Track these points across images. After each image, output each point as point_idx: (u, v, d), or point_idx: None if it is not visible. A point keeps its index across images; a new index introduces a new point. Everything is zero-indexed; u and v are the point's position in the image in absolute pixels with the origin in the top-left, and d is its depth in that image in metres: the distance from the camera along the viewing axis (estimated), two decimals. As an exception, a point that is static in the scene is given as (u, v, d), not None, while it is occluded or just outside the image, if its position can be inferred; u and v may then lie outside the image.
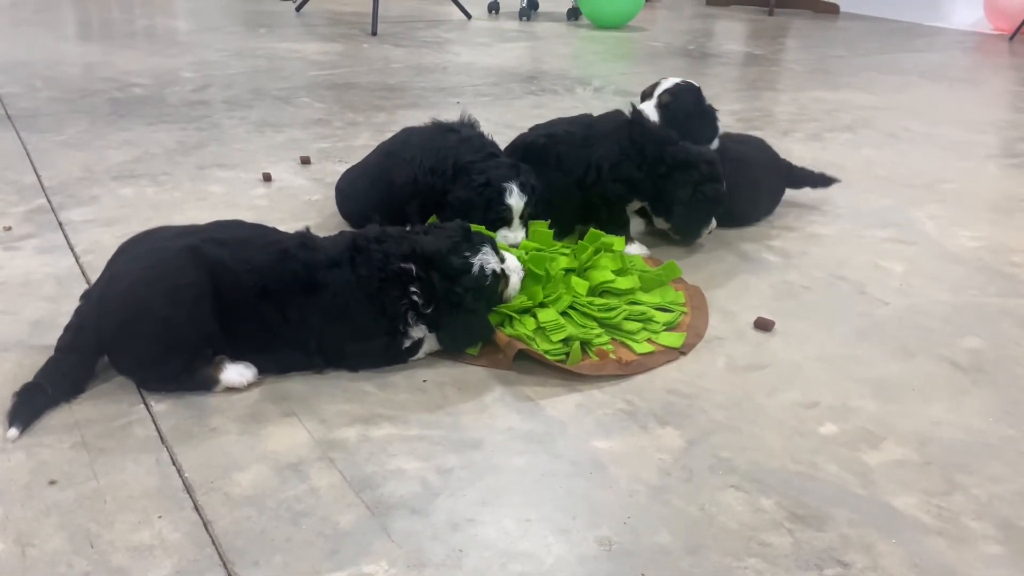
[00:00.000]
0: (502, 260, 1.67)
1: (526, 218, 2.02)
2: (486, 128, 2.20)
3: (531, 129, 2.27)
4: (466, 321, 1.59)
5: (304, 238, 1.57)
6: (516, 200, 1.97)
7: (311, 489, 1.26)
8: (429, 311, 1.56)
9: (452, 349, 1.63)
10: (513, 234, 1.99)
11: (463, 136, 2.06)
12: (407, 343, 1.58)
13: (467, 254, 1.58)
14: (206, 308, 1.43)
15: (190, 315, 1.42)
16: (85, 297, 1.50)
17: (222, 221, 1.60)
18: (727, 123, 3.41)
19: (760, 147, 2.44)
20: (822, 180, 2.50)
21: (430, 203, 2.01)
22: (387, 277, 1.53)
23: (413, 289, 1.54)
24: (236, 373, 1.48)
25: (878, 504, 1.28)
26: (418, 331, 1.58)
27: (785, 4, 7.27)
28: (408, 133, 2.17)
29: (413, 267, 1.54)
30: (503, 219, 1.98)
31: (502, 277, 1.67)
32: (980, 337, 1.79)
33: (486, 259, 1.60)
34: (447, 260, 1.56)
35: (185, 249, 1.45)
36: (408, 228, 1.64)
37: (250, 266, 1.48)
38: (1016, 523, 1.24)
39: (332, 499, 1.24)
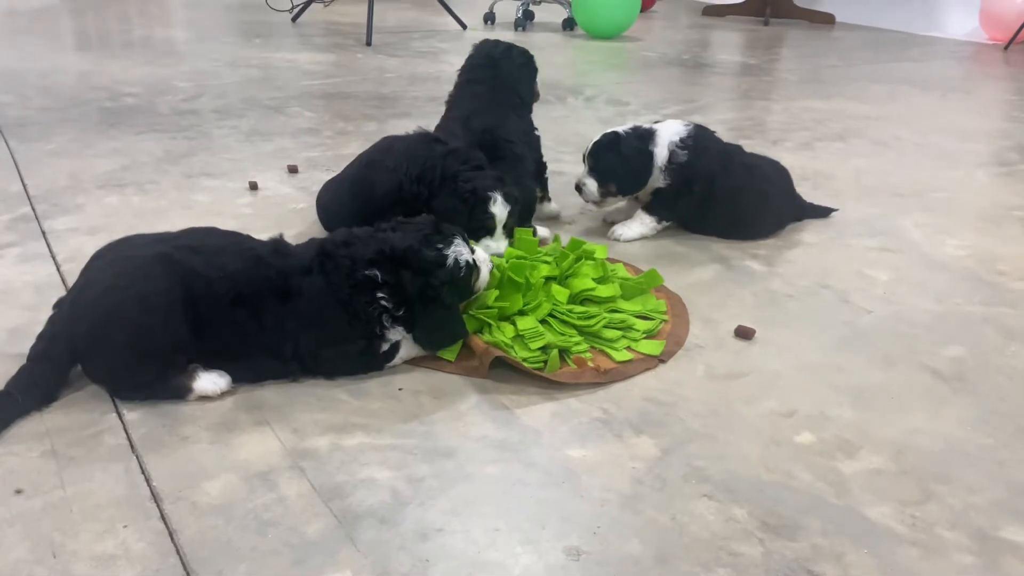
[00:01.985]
0: (472, 251, 1.66)
1: (509, 228, 2.02)
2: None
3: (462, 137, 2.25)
4: (442, 317, 1.58)
5: (277, 245, 1.57)
6: (500, 209, 1.98)
7: (279, 498, 1.25)
8: (402, 312, 1.55)
9: (429, 347, 1.63)
10: (496, 244, 1.99)
11: (449, 147, 2.06)
12: (385, 346, 1.58)
13: (440, 246, 1.58)
14: (179, 316, 1.43)
15: (163, 323, 1.41)
16: (58, 305, 1.49)
17: (196, 228, 1.59)
18: (718, 132, 3.41)
19: (777, 169, 2.41)
20: (823, 211, 2.50)
21: (413, 212, 2.00)
22: (355, 283, 1.52)
23: (381, 295, 1.53)
24: (209, 382, 1.47)
25: (852, 513, 1.26)
26: (395, 333, 1.57)
27: (781, 14, 7.28)
28: (390, 141, 2.17)
29: (378, 273, 1.53)
30: (486, 228, 1.99)
31: (474, 268, 1.66)
32: (962, 345, 1.78)
33: (459, 250, 1.60)
34: (420, 254, 1.55)
35: (157, 257, 1.45)
36: (375, 227, 1.63)
37: (224, 273, 1.47)
38: (990, 533, 1.23)
39: (300, 508, 1.23)
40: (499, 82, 2.35)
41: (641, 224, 2.28)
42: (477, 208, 1.96)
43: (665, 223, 2.29)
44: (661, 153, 2.22)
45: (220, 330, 1.48)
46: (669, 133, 2.24)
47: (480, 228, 1.97)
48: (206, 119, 3.32)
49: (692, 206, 2.27)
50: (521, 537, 1.19)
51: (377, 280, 1.53)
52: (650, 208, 2.28)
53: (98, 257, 1.52)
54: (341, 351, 1.54)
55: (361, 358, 1.57)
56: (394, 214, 2.00)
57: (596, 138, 2.28)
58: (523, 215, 2.14)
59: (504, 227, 2.01)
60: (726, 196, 2.25)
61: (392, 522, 1.21)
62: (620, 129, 2.27)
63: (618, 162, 2.23)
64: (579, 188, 2.31)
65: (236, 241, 1.56)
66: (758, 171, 2.32)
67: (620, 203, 2.37)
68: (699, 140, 2.25)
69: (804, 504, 1.28)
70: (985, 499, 1.30)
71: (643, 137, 2.24)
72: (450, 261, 1.58)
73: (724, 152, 2.30)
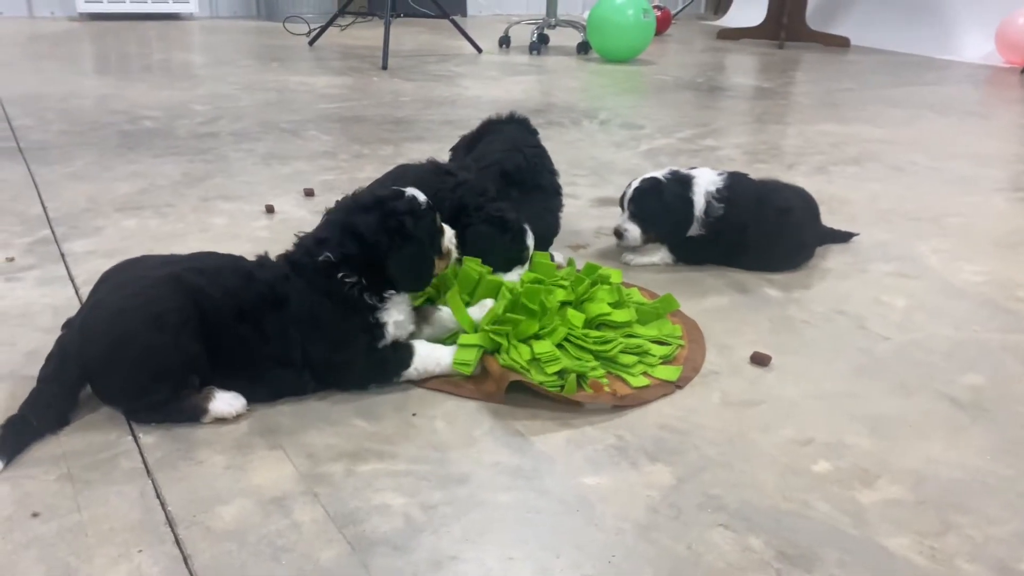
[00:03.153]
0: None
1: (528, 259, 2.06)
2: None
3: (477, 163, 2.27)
4: (413, 254, 1.59)
5: (262, 260, 1.61)
6: (531, 242, 2.02)
7: (294, 524, 1.25)
8: (368, 279, 1.55)
9: (408, 287, 1.63)
10: (512, 274, 2.01)
11: (460, 180, 2.08)
12: (385, 335, 1.58)
13: (395, 190, 1.63)
14: (191, 334, 1.44)
15: (175, 341, 1.43)
16: (67, 326, 1.51)
17: (198, 253, 1.63)
18: (732, 156, 3.42)
19: (808, 206, 2.38)
20: (844, 236, 2.50)
21: None
22: (323, 272, 1.54)
23: (341, 273, 1.54)
24: (225, 403, 1.48)
25: (870, 544, 1.25)
26: (388, 313, 1.59)
27: (795, 37, 7.30)
28: (404, 169, 2.19)
29: (329, 255, 1.55)
30: (520, 259, 2.02)
31: (436, 216, 1.67)
32: (981, 373, 1.76)
33: (416, 193, 1.64)
34: (374, 195, 1.61)
35: (168, 277, 1.47)
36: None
37: (226, 291, 1.50)
38: (1011, 565, 1.21)
39: (314, 535, 1.23)
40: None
41: (658, 253, 2.28)
42: (516, 239, 1.99)
43: (680, 262, 2.29)
44: (699, 202, 2.21)
45: (230, 346, 1.49)
46: (706, 182, 2.23)
47: (515, 259, 2.00)
48: (223, 142, 3.36)
49: (716, 255, 2.27)
50: (535, 566, 1.18)
51: (331, 261, 1.55)
52: (673, 246, 2.28)
53: (106, 279, 1.54)
54: (348, 354, 1.56)
55: (370, 358, 1.57)
56: None
57: (635, 183, 2.26)
58: (543, 244, 2.16)
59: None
60: (757, 243, 2.24)
61: (406, 549, 1.20)
62: (659, 174, 2.26)
63: (660, 209, 2.22)
64: (619, 234, 2.29)
65: (232, 261, 1.60)
66: (792, 216, 2.27)
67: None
68: (734, 191, 2.22)
69: (821, 534, 1.27)
70: (1006, 531, 1.29)
71: (683, 183, 2.23)
72: (407, 195, 1.61)
73: (757, 199, 2.25)
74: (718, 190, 2.21)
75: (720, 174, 2.26)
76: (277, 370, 1.53)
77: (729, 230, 2.22)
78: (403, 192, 1.62)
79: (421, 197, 1.64)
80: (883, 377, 1.74)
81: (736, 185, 2.24)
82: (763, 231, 2.22)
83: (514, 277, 1.98)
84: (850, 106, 4.72)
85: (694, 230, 2.23)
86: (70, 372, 1.44)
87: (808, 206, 2.37)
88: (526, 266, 2.04)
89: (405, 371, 1.61)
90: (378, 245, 1.55)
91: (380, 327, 1.58)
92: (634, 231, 2.26)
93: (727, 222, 2.21)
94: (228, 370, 1.49)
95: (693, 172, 2.27)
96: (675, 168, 2.29)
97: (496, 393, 1.61)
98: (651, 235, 2.27)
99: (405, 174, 2.16)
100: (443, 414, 1.55)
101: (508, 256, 1.99)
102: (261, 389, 1.53)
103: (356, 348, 1.56)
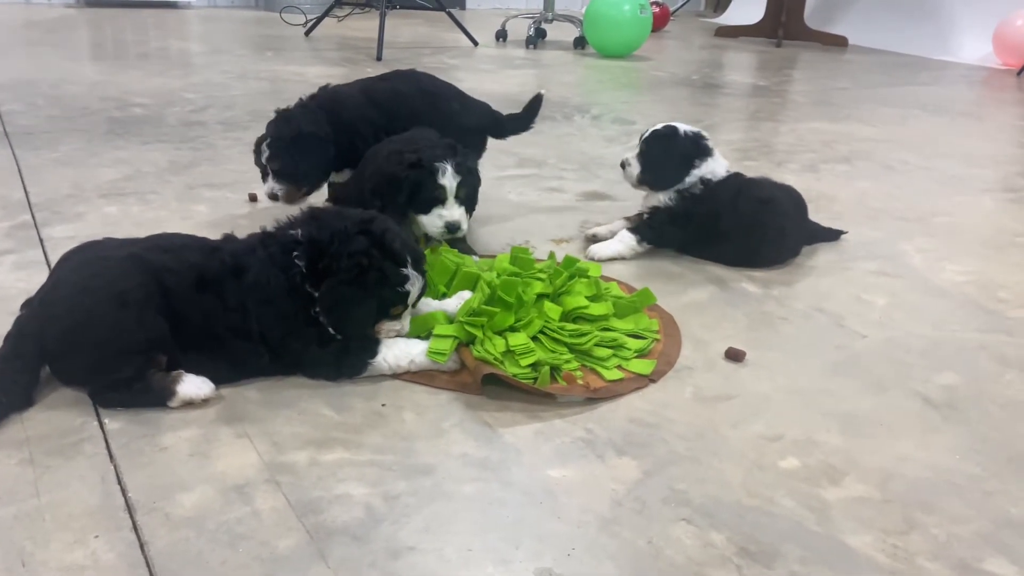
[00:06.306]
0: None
1: (463, 199, 2.03)
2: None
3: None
4: (353, 296, 1.52)
5: (228, 236, 1.63)
6: (449, 180, 1.98)
7: (254, 512, 1.24)
8: (311, 273, 1.52)
9: (329, 322, 1.55)
10: (448, 211, 2.00)
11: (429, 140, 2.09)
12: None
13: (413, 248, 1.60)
14: (154, 310, 1.45)
15: (139, 318, 1.43)
16: (26, 306, 1.50)
17: (161, 234, 1.65)
18: (723, 153, 3.39)
19: (794, 199, 2.37)
20: (833, 235, 2.49)
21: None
22: (283, 247, 1.54)
23: (296, 253, 1.53)
24: (194, 386, 1.47)
25: (832, 542, 1.24)
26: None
27: (793, 36, 7.28)
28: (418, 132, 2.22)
29: (299, 231, 1.54)
30: (436, 199, 1.99)
31: (408, 296, 1.59)
32: (956, 373, 1.75)
33: (415, 272, 1.58)
34: (386, 230, 1.57)
35: (130, 256, 1.48)
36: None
37: (189, 265, 1.51)
38: (972, 565, 1.21)
39: (273, 523, 1.22)
40: None
41: (620, 243, 2.26)
42: (425, 181, 1.97)
43: (646, 245, 2.27)
44: (696, 173, 2.25)
45: (191, 318, 1.50)
46: (713, 165, 2.26)
47: (429, 200, 1.99)
48: (212, 131, 3.34)
49: (682, 239, 2.28)
50: (494, 557, 1.18)
51: (297, 239, 1.54)
52: (637, 227, 2.28)
53: (67, 259, 1.54)
54: (300, 339, 1.55)
55: (331, 348, 1.56)
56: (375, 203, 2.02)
57: (657, 127, 2.30)
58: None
59: (456, 197, 2.01)
60: (736, 232, 2.23)
61: (365, 539, 1.20)
62: (683, 127, 2.29)
63: (664, 157, 2.26)
64: (624, 165, 2.33)
65: (196, 239, 1.62)
66: (773, 205, 2.25)
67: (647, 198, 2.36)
68: (721, 184, 2.25)
69: (784, 531, 1.26)
70: (969, 530, 1.28)
71: (699, 148, 2.26)
72: (410, 259, 1.56)
73: (735, 188, 2.26)
74: (712, 179, 2.25)
75: (727, 170, 2.29)
76: (235, 342, 1.52)
77: (697, 216, 2.24)
78: (408, 253, 1.56)
79: (414, 273, 1.56)
80: (858, 375, 1.73)
81: (728, 180, 2.27)
82: (740, 220, 2.22)
83: (451, 217, 1.99)
84: (845, 105, 4.70)
85: (665, 199, 2.26)
86: (28, 350, 1.44)
87: (793, 200, 2.36)
88: (449, 203, 2.00)
89: (372, 360, 1.59)
90: (332, 259, 1.51)
91: (320, 321, 1.56)
92: (634, 168, 2.29)
93: (699, 207, 2.24)
94: (190, 343, 1.49)
95: (714, 149, 2.29)
96: (702, 133, 2.30)
97: (471, 384, 1.60)
98: (646, 177, 2.29)
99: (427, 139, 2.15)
100: (412, 405, 1.54)
101: (420, 199, 1.98)
102: (222, 364, 1.52)
103: (306, 336, 1.55)
